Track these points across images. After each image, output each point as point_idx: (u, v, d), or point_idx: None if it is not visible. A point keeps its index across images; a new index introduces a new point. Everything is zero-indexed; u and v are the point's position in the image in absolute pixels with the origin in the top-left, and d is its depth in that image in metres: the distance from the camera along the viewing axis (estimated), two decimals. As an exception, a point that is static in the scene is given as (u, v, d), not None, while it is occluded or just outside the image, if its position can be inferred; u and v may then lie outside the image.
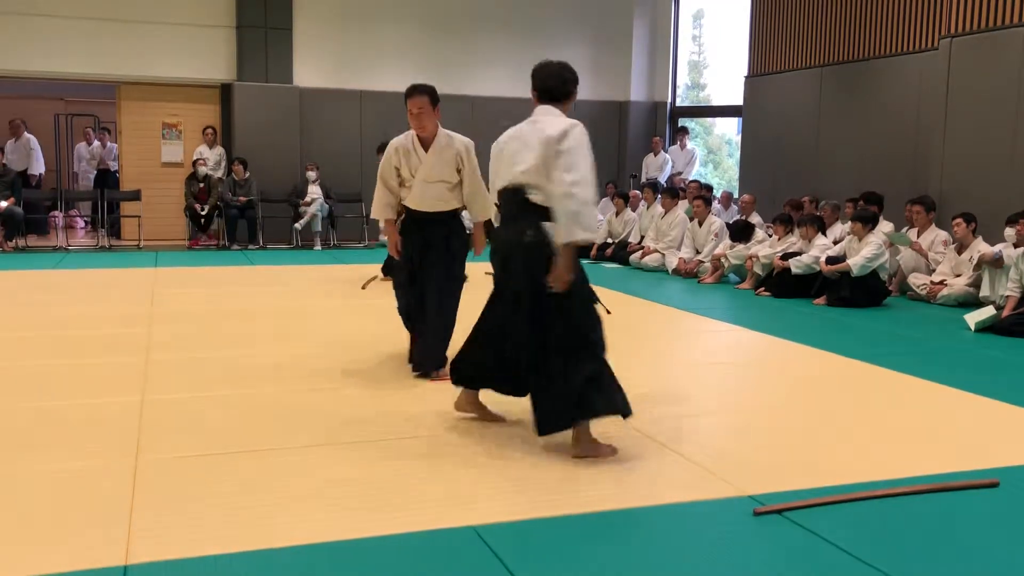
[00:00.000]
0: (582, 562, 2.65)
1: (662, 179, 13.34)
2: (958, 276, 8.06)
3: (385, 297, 7.82)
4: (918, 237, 8.58)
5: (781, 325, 6.81)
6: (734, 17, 19.28)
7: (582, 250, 3.65)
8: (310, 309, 7.28)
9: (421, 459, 3.55)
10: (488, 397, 3.98)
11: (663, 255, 10.34)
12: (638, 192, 12.03)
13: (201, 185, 12.27)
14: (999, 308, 6.91)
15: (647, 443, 3.70)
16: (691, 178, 13.30)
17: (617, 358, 3.72)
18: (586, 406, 3.47)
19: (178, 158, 12.84)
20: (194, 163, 12.31)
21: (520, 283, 3.57)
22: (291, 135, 12.79)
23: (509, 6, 13.80)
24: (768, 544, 2.79)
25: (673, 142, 14.36)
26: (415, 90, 4.68)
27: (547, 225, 3.48)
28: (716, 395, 4.78)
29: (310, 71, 12.94)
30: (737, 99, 13.17)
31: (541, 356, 3.53)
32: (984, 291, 7.57)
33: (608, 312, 4.49)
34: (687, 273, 9.84)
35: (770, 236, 9.18)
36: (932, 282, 8.19)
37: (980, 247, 7.85)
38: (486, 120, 12.34)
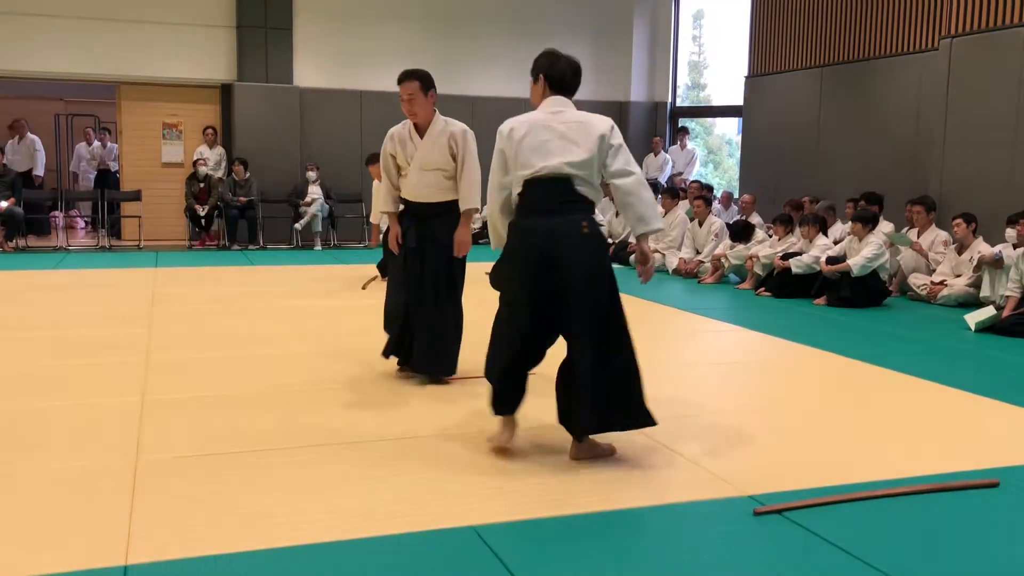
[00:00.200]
0: (582, 562, 2.65)
1: (662, 179, 13.35)
2: (958, 276, 8.06)
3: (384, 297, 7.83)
4: (918, 237, 8.58)
5: (781, 325, 6.81)
6: (734, 17, 19.29)
7: None
8: (310, 309, 7.28)
9: (421, 459, 3.54)
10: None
11: (663, 255, 10.34)
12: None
13: (202, 185, 12.28)
14: (999, 308, 6.91)
15: (647, 443, 3.70)
16: (691, 178, 13.31)
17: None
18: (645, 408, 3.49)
19: (178, 158, 12.84)
20: (195, 163, 12.32)
21: (579, 279, 3.36)
22: (291, 135, 12.79)
23: (509, 6, 13.80)
24: (768, 544, 2.79)
25: (673, 142, 14.37)
26: (406, 75, 4.55)
27: (597, 217, 3.50)
28: (716, 395, 4.78)
29: (310, 71, 12.94)
30: (737, 99, 13.17)
31: (605, 356, 3.38)
32: (984, 291, 7.57)
33: None
34: (687, 273, 9.84)
35: (770, 236, 9.18)
36: (932, 282, 8.19)
37: (980, 247, 7.85)
38: (486, 120, 12.36)
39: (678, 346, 6.33)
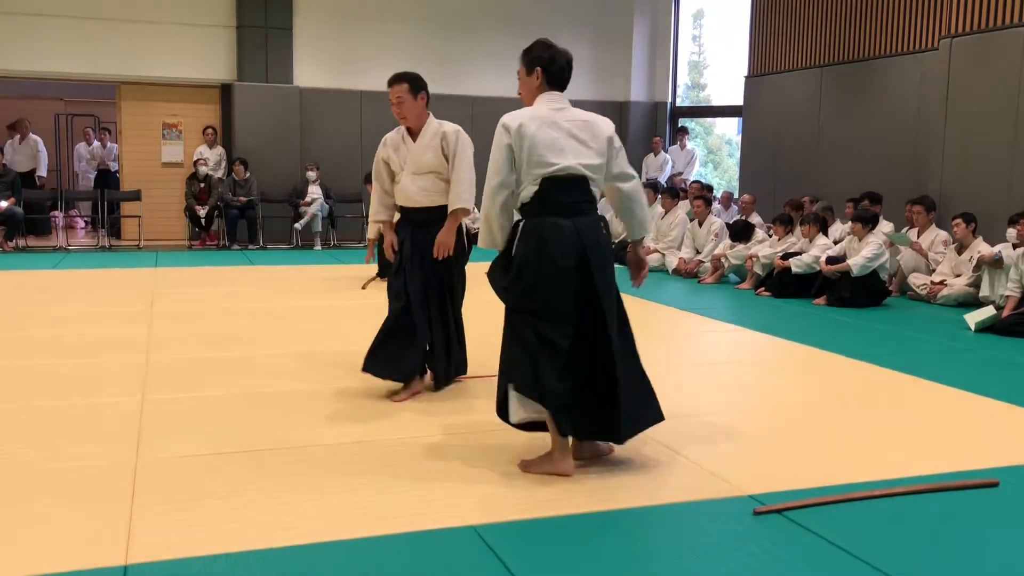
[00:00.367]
0: (582, 562, 2.65)
1: (662, 179, 13.35)
2: (958, 276, 8.07)
3: (385, 296, 7.83)
4: (918, 237, 8.59)
5: (781, 325, 6.81)
6: (734, 17, 19.30)
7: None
8: (310, 309, 7.28)
9: (421, 459, 3.54)
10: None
11: (663, 255, 10.34)
12: (638, 192, 12.02)
13: (202, 185, 12.28)
14: (999, 308, 6.91)
15: (647, 443, 3.70)
16: (691, 178, 13.31)
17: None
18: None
19: (178, 158, 12.84)
20: (195, 163, 12.32)
21: (606, 281, 3.32)
22: (291, 135, 12.79)
23: (509, 6, 13.80)
24: (768, 544, 2.79)
25: (673, 142, 14.36)
26: (394, 78, 4.44)
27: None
28: (716, 395, 4.78)
29: (310, 71, 12.94)
30: (737, 99, 13.17)
31: (630, 358, 3.37)
32: (984, 291, 7.58)
33: None
34: (687, 273, 9.84)
35: (770, 236, 9.18)
36: (932, 282, 8.19)
37: (980, 247, 7.85)
38: (486, 120, 12.36)
39: (678, 346, 6.33)
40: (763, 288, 8.66)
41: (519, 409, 3.34)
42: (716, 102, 19.06)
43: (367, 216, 12.06)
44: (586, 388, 3.30)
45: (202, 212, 12.20)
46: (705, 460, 3.55)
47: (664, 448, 3.67)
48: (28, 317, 6.65)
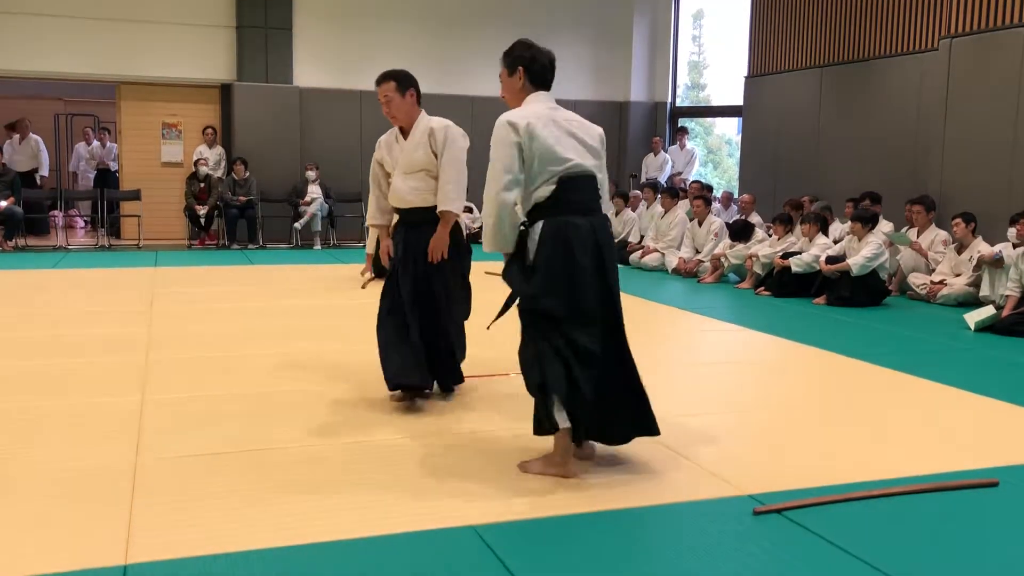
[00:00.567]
0: (582, 562, 2.65)
1: (662, 179, 13.35)
2: (958, 276, 8.07)
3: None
4: (918, 237, 8.59)
5: (781, 325, 6.81)
6: (734, 17, 19.30)
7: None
8: (310, 309, 7.28)
9: (421, 459, 3.54)
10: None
11: (663, 255, 10.35)
12: (638, 192, 12.04)
13: (202, 185, 12.28)
14: (999, 308, 6.92)
15: (647, 443, 3.69)
16: (691, 178, 13.31)
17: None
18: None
19: (178, 158, 12.84)
20: (195, 163, 12.32)
21: (617, 281, 3.33)
22: (291, 135, 12.79)
23: (509, 6, 13.80)
24: (768, 544, 2.79)
25: (673, 142, 14.36)
26: (381, 77, 4.30)
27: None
28: (716, 395, 4.78)
29: (310, 71, 12.94)
30: (737, 99, 13.17)
31: (630, 359, 3.36)
32: (984, 291, 7.58)
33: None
34: (687, 273, 9.84)
35: (770, 236, 9.18)
36: (932, 282, 8.20)
37: (980, 247, 7.85)
38: (486, 120, 12.34)
39: (678, 346, 6.33)
40: (763, 288, 8.66)
41: (564, 417, 3.24)
42: (716, 102, 19.06)
43: (366, 216, 12.11)
44: (610, 389, 3.29)
45: (202, 212, 12.19)
46: (705, 460, 3.56)
47: (664, 448, 3.66)
48: (28, 317, 6.64)
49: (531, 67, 3.38)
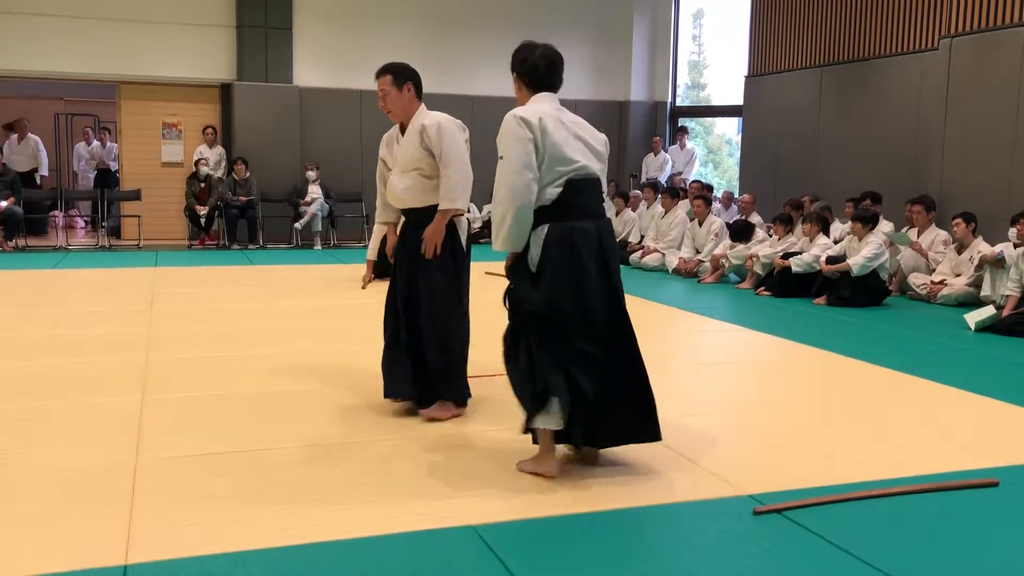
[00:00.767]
0: (582, 562, 2.65)
1: (662, 179, 13.35)
2: (958, 276, 8.07)
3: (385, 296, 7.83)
4: (918, 237, 8.59)
5: (781, 325, 6.81)
6: (734, 17, 19.29)
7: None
8: (310, 309, 7.28)
9: (421, 459, 3.54)
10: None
11: (663, 255, 10.34)
12: (638, 192, 12.04)
13: (202, 185, 12.28)
14: (999, 308, 6.92)
15: (647, 443, 3.69)
16: (691, 178, 13.31)
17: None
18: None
19: (178, 158, 12.84)
20: (196, 163, 12.32)
21: (620, 284, 3.33)
22: (291, 135, 12.79)
23: (509, 6, 13.80)
24: (768, 544, 2.79)
25: (673, 142, 14.37)
26: (380, 70, 4.13)
27: None
28: (716, 395, 4.78)
29: (310, 71, 12.94)
30: (737, 99, 13.17)
31: (641, 363, 3.33)
32: (985, 291, 7.57)
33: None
34: (687, 273, 9.84)
35: (770, 236, 9.18)
36: (932, 282, 8.20)
37: (980, 247, 7.85)
38: (486, 120, 12.35)
39: (678, 346, 6.33)
40: (763, 288, 8.66)
41: (547, 419, 3.22)
42: (716, 102, 19.06)
43: (367, 216, 12.11)
44: (613, 393, 3.27)
45: (202, 212, 12.19)
46: (705, 460, 3.55)
47: (664, 448, 3.66)
48: (28, 317, 6.64)
49: (523, 70, 3.36)
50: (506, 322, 3.38)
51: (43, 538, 2.74)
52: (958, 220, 8.00)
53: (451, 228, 4.05)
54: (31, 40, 11.76)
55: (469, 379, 4.20)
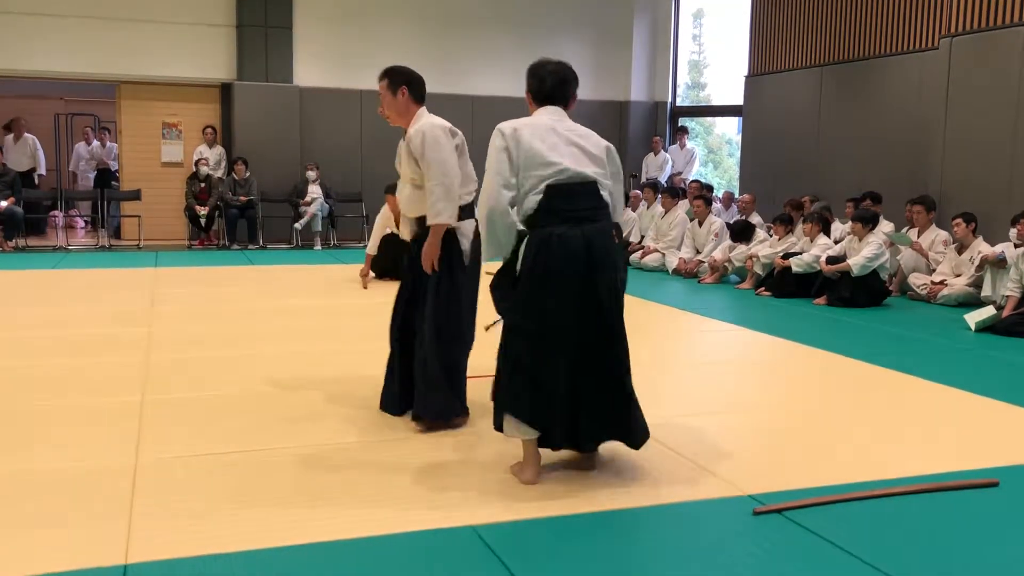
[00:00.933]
0: (582, 562, 2.65)
1: (662, 179, 13.35)
2: (958, 276, 8.07)
3: (386, 296, 7.83)
4: (918, 237, 8.59)
5: (781, 325, 6.81)
6: (734, 17, 19.29)
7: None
8: (310, 309, 7.28)
9: (421, 459, 3.54)
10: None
11: (663, 255, 10.34)
12: (638, 192, 12.04)
13: (202, 185, 12.28)
14: (999, 308, 6.91)
15: (647, 443, 3.69)
16: (691, 178, 13.31)
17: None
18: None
19: (178, 158, 12.84)
20: (196, 163, 12.32)
21: (612, 294, 3.21)
22: (291, 135, 12.79)
23: (509, 6, 13.80)
24: (768, 544, 2.79)
25: (673, 142, 14.37)
26: (380, 74, 4.01)
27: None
28: (716, 395, 4.78)
29: (310, 70, 12.94)
30: (737, 99, 13.17)
31: (618, 379, 3.26)
32: (986, 291, 7.57)
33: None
34: (687, 273, 9.84)
35: (770, 236, 9.18)
36: (932, 282, 8.19)
37: (980, 247, 7.85)
38: (486, 120, 12.34)
39: (678, 346, 6.33)
40: (763, 288, 8.66)
41: (514, 430, 3.27)
42: (716, 102, 19.06)
43: (367, 216, 12.11)
44: (587, 399, 3.24)
45: (202, 212, 12.19)
46: (705, 460, 3.55)
47: (664, 448, 3.66)
48: (28, 317, 6.64)
49: (530, 86, 3.42)
50: None
51: (43, 538, 2.74)
52: (958, 220, 8.00)
53: (451, 241, 3.87)
54: (31, 40, 11.75)
55: (470, 378, 4.09)
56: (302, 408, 4.25)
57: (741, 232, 9.30)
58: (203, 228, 12.33)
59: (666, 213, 10.59)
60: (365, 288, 8.27)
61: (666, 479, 3.35)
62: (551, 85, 3.39)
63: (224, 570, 2.56)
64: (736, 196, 12.16)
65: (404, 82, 3.96)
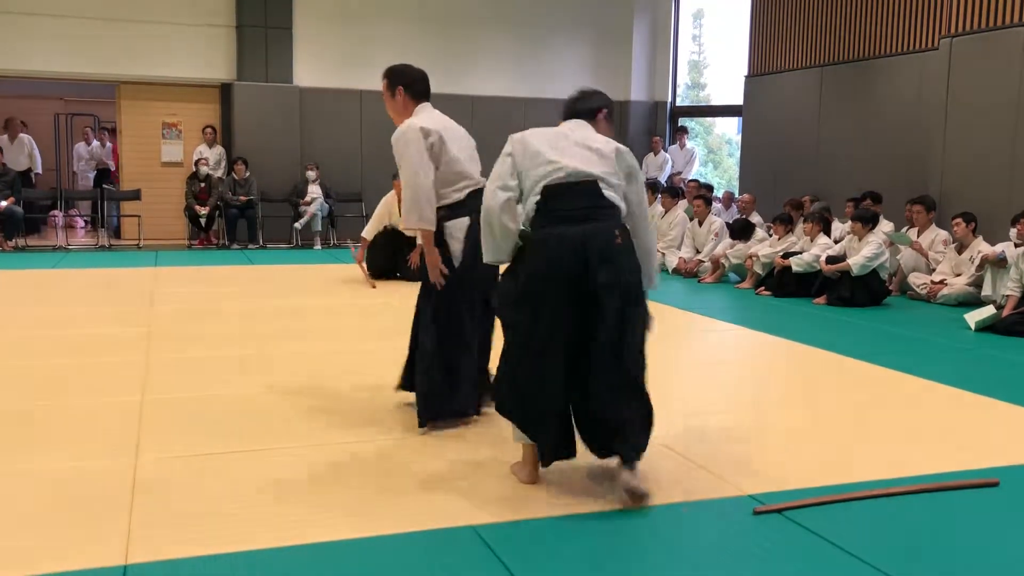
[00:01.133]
0: (582, 562, 2.65)
1: (662, 179, 13.35)
2: (958, 275, 8.07)
3: (386, 296, 7.84)
4: (918, 236, 8.59)
5: (781, 325, 6.81)
6: (734, 17, 19.27)
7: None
8: (310, 308, 7.28)
9: (421, 459, 3.54)
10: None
11: (663, 255, 10.34)
12: (638, 192, 12.02)
13: (202, 185, 12.28)
14: (999, 308, 6.91)
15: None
16: (690, 178, 13.31)
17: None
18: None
19: (178, 158, 12.84)
20: (196, 163, 12.32)
21: (612, 298, 3.08)
22: (291, 135, 12.79)
23: (509, 6, 13.80)
24: (768, 544, 2.79)
25: (673, 141, 14.37)
26: (382, 76, 3.98)
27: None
28: (716, 395, 4.78)
29: (310, 71, 12.94)
30: (737, 99, 13.17)
31: (626, 377, 3.16)
32: (986, 290, 7.57)
33: None
34: (687, 273, 9.84)
35: (770, 235, 9.18)
36: (932, 282, 8.20)
37: (980, 247, 7.85)
38: (486, 120, 12.36)
39: (678, 346, 6.33)
40: (763, 288, 8.66)
41: (519, 435, 3.27)
42: (716, 102, 19.05)
43: (367, 216, 12.12)
44: (581, 406, 3.20)
45: (202, 212, 12.18)
46: (705, 460, 3.55)
47: (664, 448, 3.66)
48: (28, 317, 6.64)
49: (566, 106, 3.48)
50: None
51: (43, 538, 2.74)
52: (958, 220, 8.00)
53: (440, 245, 3.83)
54: (31, 40, 11.75)
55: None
56: (302, 408, 4.25)
57: (741, 231, 9.30)
58: (203, 228, 12.33)
59: (666, 213, 10.59)
60: (374, 288, 8.23)
61: (666, 479, 3.35)
62: (572, 102, 3.44)
63: (224, 570, 2.56)
64: (736, 196, 12.16)
65: (400, 82, 3.94)
